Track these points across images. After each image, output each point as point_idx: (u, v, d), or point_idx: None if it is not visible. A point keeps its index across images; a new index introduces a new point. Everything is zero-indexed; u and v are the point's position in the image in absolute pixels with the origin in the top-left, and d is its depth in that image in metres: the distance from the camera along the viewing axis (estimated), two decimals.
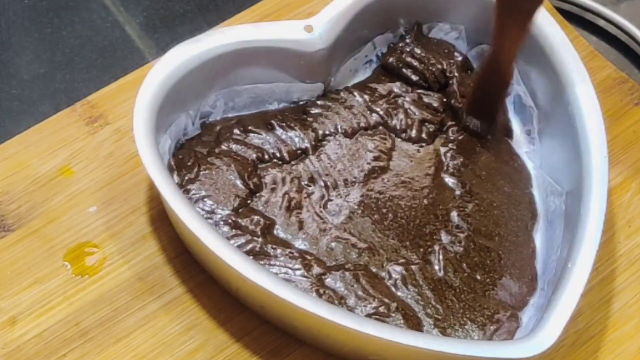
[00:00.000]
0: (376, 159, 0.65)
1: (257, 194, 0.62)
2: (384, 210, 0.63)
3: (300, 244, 0.61)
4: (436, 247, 0.61)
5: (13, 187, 0.64)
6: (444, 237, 0.62)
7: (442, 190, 0.64)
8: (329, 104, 0.66)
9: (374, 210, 0.63)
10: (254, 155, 0.63)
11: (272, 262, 0.59)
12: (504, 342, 0.58)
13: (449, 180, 0.64)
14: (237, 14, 0.73)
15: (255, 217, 0.61)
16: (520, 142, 0.67)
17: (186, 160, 0.62)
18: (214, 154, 0.63)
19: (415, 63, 0.68)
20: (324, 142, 0.65)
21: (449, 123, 0.67)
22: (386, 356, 0.57)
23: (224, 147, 0.63)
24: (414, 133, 0.66)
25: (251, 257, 0.59)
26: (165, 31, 0.74)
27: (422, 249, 0.62)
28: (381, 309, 0.58)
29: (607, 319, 0.62)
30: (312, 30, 0.64)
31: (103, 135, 0.66)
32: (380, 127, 0.66)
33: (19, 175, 0.65)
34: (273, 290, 0.54)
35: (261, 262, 0.59)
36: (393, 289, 0.60)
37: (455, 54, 0.68)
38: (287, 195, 0.63)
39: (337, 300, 0.58)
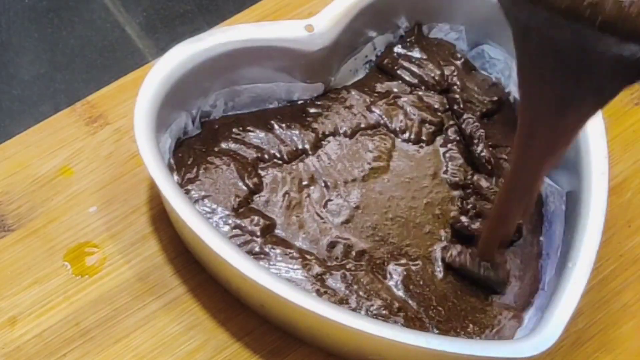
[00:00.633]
0: (376, 159, 0.65)
1: (258, 194, 0.62)
2: (384, 210, 0.63)
3: (300, 244, 0.61)
4: (437, 247, 0.61)
5: (13, 187, 0.64)
6: (444, 237, 0.62)
7: (442, 190, 0.64)
8: (329, 103, 0.66)
9: (374, 210, 0.63)
10: (254, 155, 0.63)
11: (272, 262, 0.59)
12: (504, 341, 0.58)
13: (449, 181, 0.64)
14: (237, 14, 0.73)
15: (255, 218, 0.61)
16: None
17: (186, 158, 0.62)
18: (213, 153, 0.63)
19: (413, 67, 0.68)
20: (324, 142, 0.65)
21: (449, 123, 0.67)
22: (386, 356, 0.57)
23: (223, 145, 0.63)
24: (413, 133, 0.66)
25: (251, 257, 0.59)
26: (165, 31, 0.74)
27: (422, 249, 0.62)
28: (383, 311, 0.58)
29: (607, 319, 0.62)
30: (312, 30, 0.64)
31: (103, 135, 0.66)
32: (381, 127, 0.66)
33: (19, 175, 0.65)
34: (273, 289, 0.54)
35: (261, 262, 0.59)
36: (394, 289, 0.60)
37: (457, 55, 0.68)
38: (287, 195, 0.63)
39: (338, 300, 0.58)
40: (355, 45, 0.68)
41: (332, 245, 0.61)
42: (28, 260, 0.61)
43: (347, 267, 0.60)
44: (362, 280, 0.59)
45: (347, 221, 0.62)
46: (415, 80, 0.68)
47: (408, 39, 0.69)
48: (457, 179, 0.64)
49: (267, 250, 0.60)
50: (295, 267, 0.59)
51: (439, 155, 0.65)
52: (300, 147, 0.64)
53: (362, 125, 0.66)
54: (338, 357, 0.59)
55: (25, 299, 0.60)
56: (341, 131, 0.65)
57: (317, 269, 0.59)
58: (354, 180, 0.64)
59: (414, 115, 0.66)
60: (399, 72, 0.68)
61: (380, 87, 0.67)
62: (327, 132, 0.65)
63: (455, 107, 0.66)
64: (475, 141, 0.65)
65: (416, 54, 0.68)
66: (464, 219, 0.62)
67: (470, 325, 0.59)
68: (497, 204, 0.58)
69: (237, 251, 0.56)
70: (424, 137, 0.66)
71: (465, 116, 0.66)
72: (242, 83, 0.65)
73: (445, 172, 0.65)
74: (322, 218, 0.62)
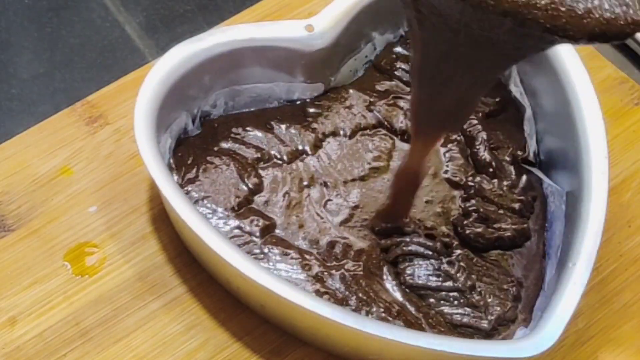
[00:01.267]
0: (376, 159, 0.65)
1: (258, 194, 0.62)
2: None
3: (300, 244, 0.61)
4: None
5: (13, 187, 0.64)
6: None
7: (443, 189, 0.64)
8: (329, 103, 0.66)
9: (374, 209, 0.63)
10: (254, 155, 0.63)
11: (271, 263, 0.59)
12: (504, 341, 0.58)
13: (449, 180, 0.64)
14: (237, 14, 0.73)
15: (255, 218, 0.61)
16: None
17: (185, 158, 0.62)
18: (213, 152, 0.63)
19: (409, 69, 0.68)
20: (324, 142, 0.65)
21: None
22: (386, 356, 0.57)
23: (223, 145, 0.63)
24: None
25: (251, 257, 0.59)
26: (165, 31, 0.74)
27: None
28: (383, 314, 0.58)
29: (607, 319, 0.62)
30: (312, 30, 0.64)
31: (103, 135, 0.66)
32: (380, 128, 0.66)
33: (19, 175, 0.65)
34: (273, 289, 0.54)
35: (261, 263, 0.59)
36: (393, 290, 0.59)
37: None
38: (287, 195, 0.63)
39: (338, 301, 0.58)
40: (355, 45, 0.67)
41: (331, 245, 0.61)
42: (28, 260, 0.61)
43: (346, 267, 0.60)
44: (361, 282, 0.59)
45: (346, 220, 0.62)
46: None
47: (408, 39, 0.69)
48: (457, 178, 0.64)
49: (266, 250, 0.60)
50: (295, 267, 0.59)
51: (439, 155, 0.65)
52: (300, 147, 0.64)
53: (362, 125, 0.66)
54: (338, 357, 0.59)
55: (25, 299, 0.60)
56: (341, 131, 0.65)
57: (316, 269, 0.59)
58: (353, 180, 0.64)
59: None
60: (397, 72, 0.68)
61: (380, 87, 0.67)
62: (327, 132, 0.65)
63: None
64: (477, 143, 0.65)
65: None
66: (467, 224, 0.62)
67: (473, 329, 0.59)
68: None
69: (237, 251, 0.56)
70: None
71: None
72: (242, 83, 0.65)
73: (446, 172, 0.65)
74: (321, 218, 0.62)
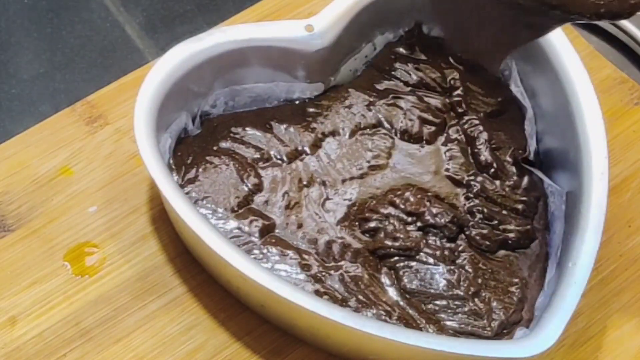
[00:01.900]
0: (375, 157, 0.65)
1: (257, 194, 0.62)
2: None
3: (299, 244, 0.61)
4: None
5: (13, 187, 0.64)
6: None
7: (445, 186, 0.64)
8: (329, 103, 0.66)
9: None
10: (254, 155, 0.63)
11: (271, 263, 0.59)
12: (504, 341, 0.58)
13: (451, 178, 0.64)
14: (237, 14, 0.73)
15: (254, 219, 0.61)
16: None
17: (185, 158, 0.62)
18: (212, 152, 0.63)
19: (413, 68, 0.68)
20: (324, 142, 0.65)
21: (450, 123, 0.66)
22: (386, 356, 0.57)
23: (222, 145, 0.63)
24: (414, 133, 0.66)
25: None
26: (165, 31, 0.74)
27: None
28: (383, 317, 0.58)
29: (607, 319, 0.62)
30: (312, 29, 0.64)
31: (103, 135, 0.66)
32: (380, 127, 0.66)
33: (19, 175, 0.65)
34: (273, 289, 0.54)
35: (261, 263, 0.59)
36: (391, 292, 0.59)
37: (459, 55, 0.68)
38: (286, 195, 0.63)
39: (338, 302, 0.58)
40: (355, 45, 0.67)
41: (329, 245, 0.61)
42: (28, 260, 0.61)
43: (345, 268, 0.60)
44: (360, 284, 0.59)
45: (343, 219, 0.62)
46: (414, 81, 0.67)
47: (408, 39, 0.69)
48: (459, 177, 0.64)
49: (265, 251, 0.60)
50: (294, 267, 0.59)
51: (440, 154, 0.65)
52: (299, 147, 0.64)
53: (362, 125, 0.66)
54: (338, 357, 0.59)
55: (25, 299, 0.60)
56: (341, 131, 0.65)
57: (315, 269, 0.59)
58: (352, 178, 0.64)
59: (414, 115, 0.66)
60: (397, 72, 0.68)
61: (380, 87, 0.67)
62: (326, 132, 0.65)
63: (458, 108, 0.66)
64: (478, 143, 0.65)
65: (416, 54, 0.68)
66: (472, 225, 0.62)
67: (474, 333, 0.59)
68: None
69: (237, 251, 0.56)
70: (424, 137, 0.66)
71: (467, 117, 0.66)
72: (242, 83, 0.65)
73: (447, 169, 0.65)
74: (320, 217, 0.62)
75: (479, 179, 0.64)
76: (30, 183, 0.64)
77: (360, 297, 0.59)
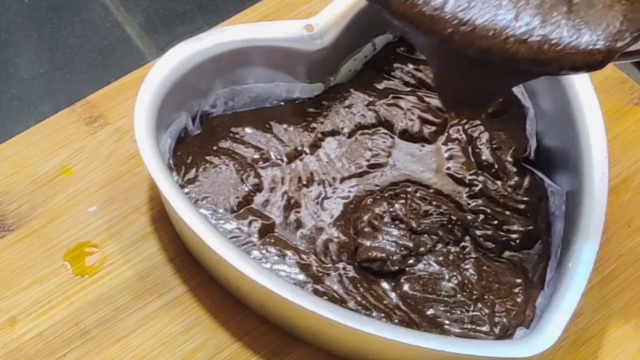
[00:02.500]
0: (375, 157, 0.65)
1: (257, 194, 0.62)
2: None
3: (298, 244, 0.61)
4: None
5: (13, 187, 0.64)
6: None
7: (447, 183, 0.64)
8: (328, 103, 0.66)
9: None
10: (253, 155, 0.63)
11: (270, 263, 0.59)
12: (504, 341, 0.58)
13: (452, 176, 0.64)
14: (237, 14, 0.73)
15: (254, 219, 0.61)
16: None
17: (185, 157, 0.62)
18: (212, 152, 0.63)
19: (413, 68, 0.68)
20: (323, 142, 0.65)
21: (451, 123, 0.66)
22: (386, 356, 0.57)
23: (222, 144, 0.63)
24: (414, 133, 0.66)
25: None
26: (165, 31, 0.74)
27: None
28: (383, 320, 0.58)
29: (607, 319, 0.62)
30: (312, 30, 0.64)
31: (103, 135, 0.66)
32: (380, 127, 0.66)
33: (19, 175, 0.65)
34: (273, 289, 0.54)
35: (260, 263, 0.59)
36: (392, 295, 0.59)
37: None
38: (286, 195, 0.63)
39: (337, 303, 0.58)
40: (355, 45, 0.67)
41: (325, 244, 0.61)
42: (28, 260, 0.61)
43: (344, 268, 0.60)
44: (359, 287, 0.59)
45: (339, 217, 0.62)
46: (414, 81, 0.68)
47: (408, 39, 0.69)
48: (460, 176, 0.64)
49: (264, 251, 0.60)
50: (293, 267, 0.59)
51: (441, 153, 0.65)
52: (299, 147, 0.64)
53: (362, 125, 0.66)
54: (338, 357, 0.59)
55: (25, 299, 0.60)
56: (341, 131, 0.65)
57: (314, 270, 0.59)
58: (351, 176, 0.64)
59: (415, 115, 0.66)
60: (397, 72, 0.68)
61: (380, 87, 0.67)
62: (326, 132, 0.65)
63: None
64: (479, 143, 0.65)
65: (416, 54, 0.68)
66: (477, 226, 0.61)
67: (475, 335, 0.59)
68: None
69: (237, 251, 0.56)
70: (425, 137, 0.66)
71: None
72: (242, 83, 0.65)
73: (448, 169, 0.65)
74: (318, 216, 0.62)
75: (481, 178, 0.64)
76: (30, 183, 0.64)
77: (359, 298, 0.59)
